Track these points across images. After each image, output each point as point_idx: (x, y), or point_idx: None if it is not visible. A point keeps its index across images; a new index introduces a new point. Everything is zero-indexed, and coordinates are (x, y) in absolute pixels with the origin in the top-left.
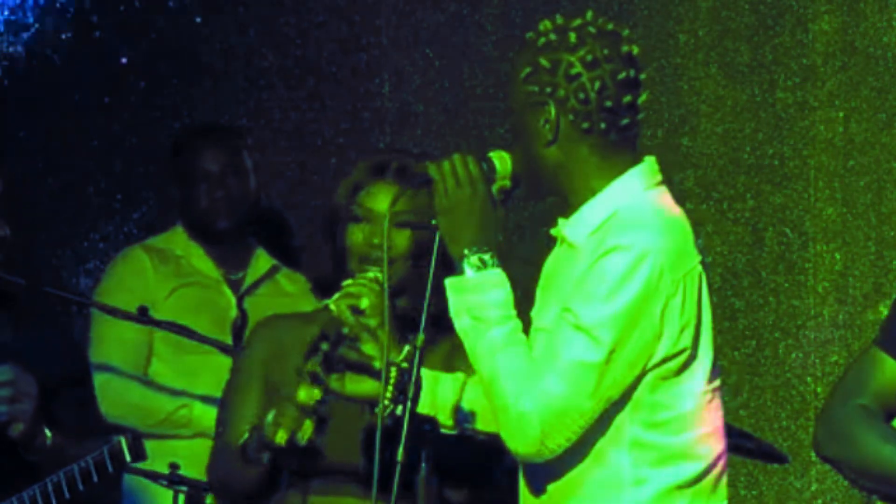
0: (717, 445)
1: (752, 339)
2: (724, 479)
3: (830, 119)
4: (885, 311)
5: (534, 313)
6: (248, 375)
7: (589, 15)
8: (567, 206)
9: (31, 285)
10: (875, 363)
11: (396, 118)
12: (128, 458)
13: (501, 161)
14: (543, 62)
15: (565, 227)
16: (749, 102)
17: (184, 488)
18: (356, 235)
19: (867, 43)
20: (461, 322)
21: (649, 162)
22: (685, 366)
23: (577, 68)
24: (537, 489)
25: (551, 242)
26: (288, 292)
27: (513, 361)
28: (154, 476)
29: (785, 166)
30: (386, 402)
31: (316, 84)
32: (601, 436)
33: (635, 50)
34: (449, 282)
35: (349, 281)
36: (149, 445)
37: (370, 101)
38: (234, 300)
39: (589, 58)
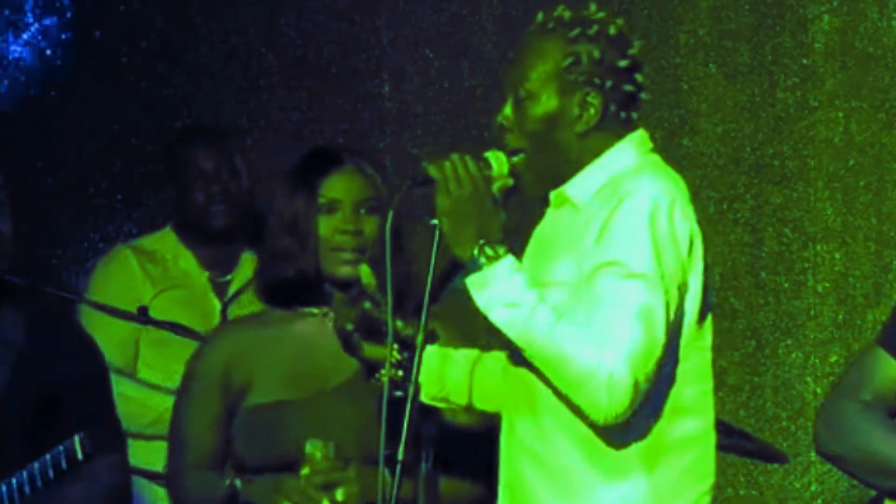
0: (712, 407)
1: (752, 339)
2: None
3: (830, 119)
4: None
5: (535, 271)
6: (205, 383)
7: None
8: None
9: (31, 285)
10: (876, 362)
11: (396, 118)
12: (79, 456)
13: (497, 160)
14: (595, 52)
15: (568, 188)
16: (749, 102)
17: None
18: (325, 226)
19: (867, 43)
20: (498, 315)
21: (642, 132)
22: (701, 316)
23: (625, 62)
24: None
25: None
26: None
27: (575, 329)
28: (154, 476)
29: (785, 166)
30: (391, 371)
31: (316, 84)
32: None
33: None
34: (471, 280)
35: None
36: (148, 445)
37: (370, 101)
38: (219, 306)
39: (626, 51)
